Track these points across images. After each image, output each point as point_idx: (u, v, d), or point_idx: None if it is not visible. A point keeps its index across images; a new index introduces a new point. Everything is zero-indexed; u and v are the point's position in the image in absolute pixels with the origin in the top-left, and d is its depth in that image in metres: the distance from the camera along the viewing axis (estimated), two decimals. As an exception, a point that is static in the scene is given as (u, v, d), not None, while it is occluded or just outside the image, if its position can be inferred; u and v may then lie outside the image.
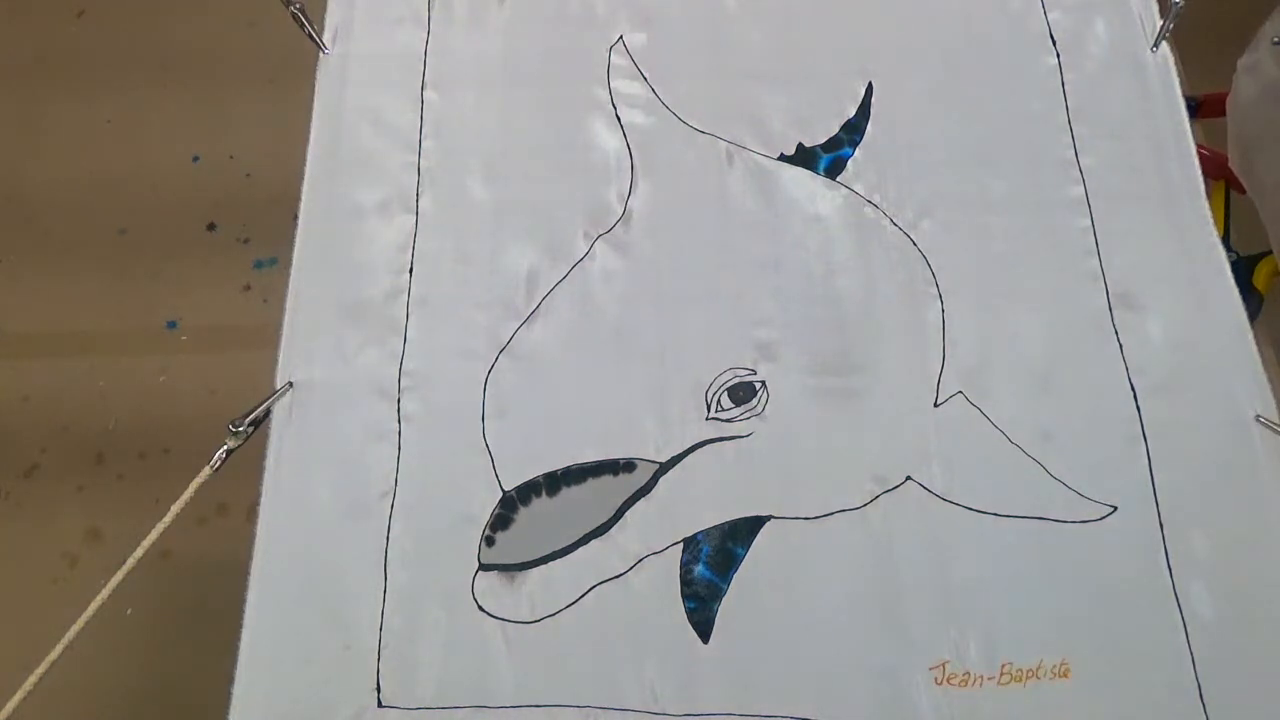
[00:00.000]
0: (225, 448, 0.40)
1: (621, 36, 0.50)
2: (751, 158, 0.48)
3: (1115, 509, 0.40)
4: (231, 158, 1.35)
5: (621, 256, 0.45)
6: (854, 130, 0.48)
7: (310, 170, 0.47)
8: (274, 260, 1.28)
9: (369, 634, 0.39)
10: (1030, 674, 0.38)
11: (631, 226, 0.46)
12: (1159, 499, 0.40)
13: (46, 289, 1.28)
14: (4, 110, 1.39)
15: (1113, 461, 0.41)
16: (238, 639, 0.38)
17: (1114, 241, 0.45)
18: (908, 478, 0.41)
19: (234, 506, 1.05)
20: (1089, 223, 0.46)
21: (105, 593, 0.39)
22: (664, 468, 0.41)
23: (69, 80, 1.42)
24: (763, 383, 0.42)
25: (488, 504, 0.41)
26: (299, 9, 0.48)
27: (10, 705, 0.37)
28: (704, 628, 0.39)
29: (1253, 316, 0.56)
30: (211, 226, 1.32)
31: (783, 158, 0.47)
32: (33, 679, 0.37)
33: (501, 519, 0.40)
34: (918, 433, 0.42)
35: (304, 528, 0.40)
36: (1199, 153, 0.47)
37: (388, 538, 0.40)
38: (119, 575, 0.39)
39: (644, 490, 0.41)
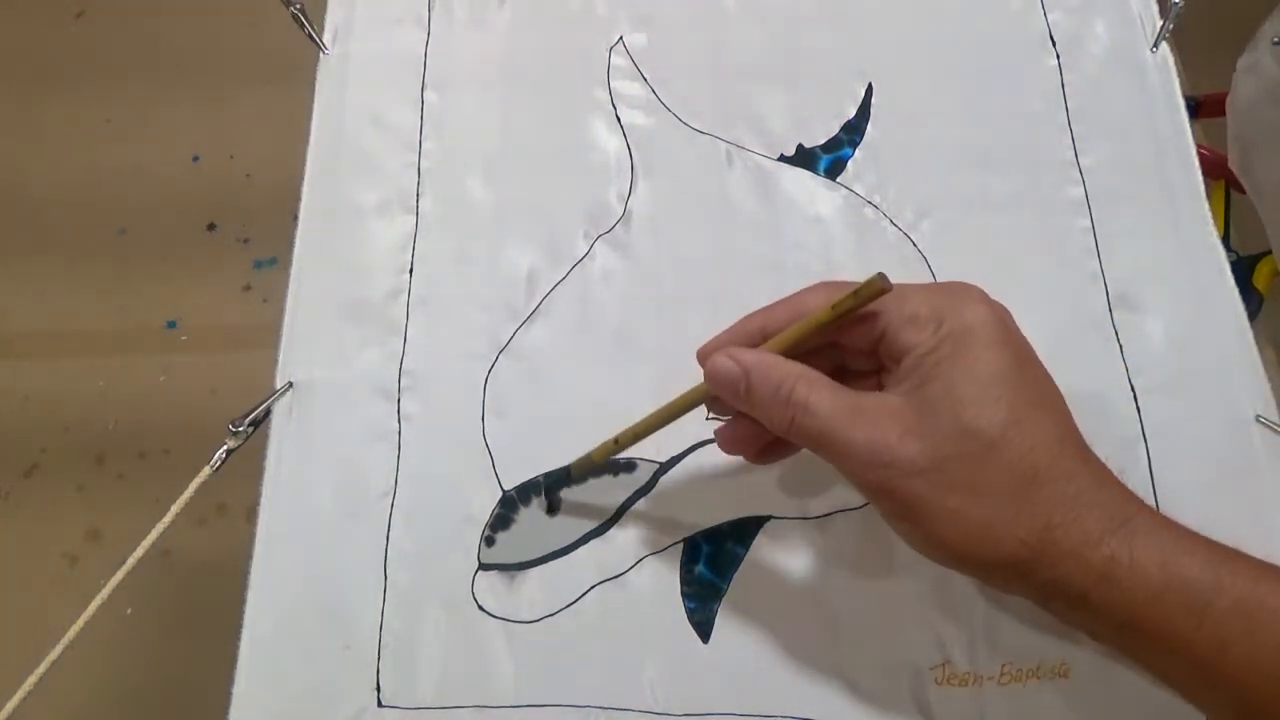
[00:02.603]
0: (225, 448, 0.40)
1: (621, 37, 0.50)
2: (751, 158, 0.48)
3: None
4: (231, 158, 1.36)
5: (621, 257, 0.45)
6: (854, 130, 0.48)
7: (310, 170, 0.47)
8: (274, 260, 1.28)
9: (369, 634, 0.39)
10: (1030, 674, 0.38)
11: (631, 227, 0.46)
12: (1159, 499, 0.41)
13: (46, 289, 1.28)
14: (4, 110, 1.39)
15: (1113, 461, 0.41)
16: (238, 639, 0.38)
17: (1114, 241, 0.45)
18: (908, 478, 0.41)
19: (234, 506, 1.05)
20: (1089, 223, 0.46)
21: (105, 593, 0.39)
22: (664, 467, 0.41)
23: (69, 80, 1.42)
24: (763, 383, 0.42)
25: (488, 504, 0.41)
26: (299, 9, 0.48)
27: (10, 705, 0.37)
28: (704, 628, 0.39)
29: (1253, 316, 0.56)
30: (211, 226, 1.32)
31: (783, 158, 0.48)
32: (32, 679, 0.37)
33: (501, 519, 0.40)
34: (918, 433, 0.42)
35: (304, 528, 0.40)
36: (1199, 153, 0.47)
37: (388, 538, 0.40)
38: (119, 575, 0.39)
39: (644, 490, 0.41)
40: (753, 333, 0.34)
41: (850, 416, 0.30)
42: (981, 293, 0.33)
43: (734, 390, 0.32)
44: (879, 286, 0.30)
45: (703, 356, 0.34)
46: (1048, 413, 0.31)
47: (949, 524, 0.29)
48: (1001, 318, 0.32)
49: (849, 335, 0.33)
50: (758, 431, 0.34)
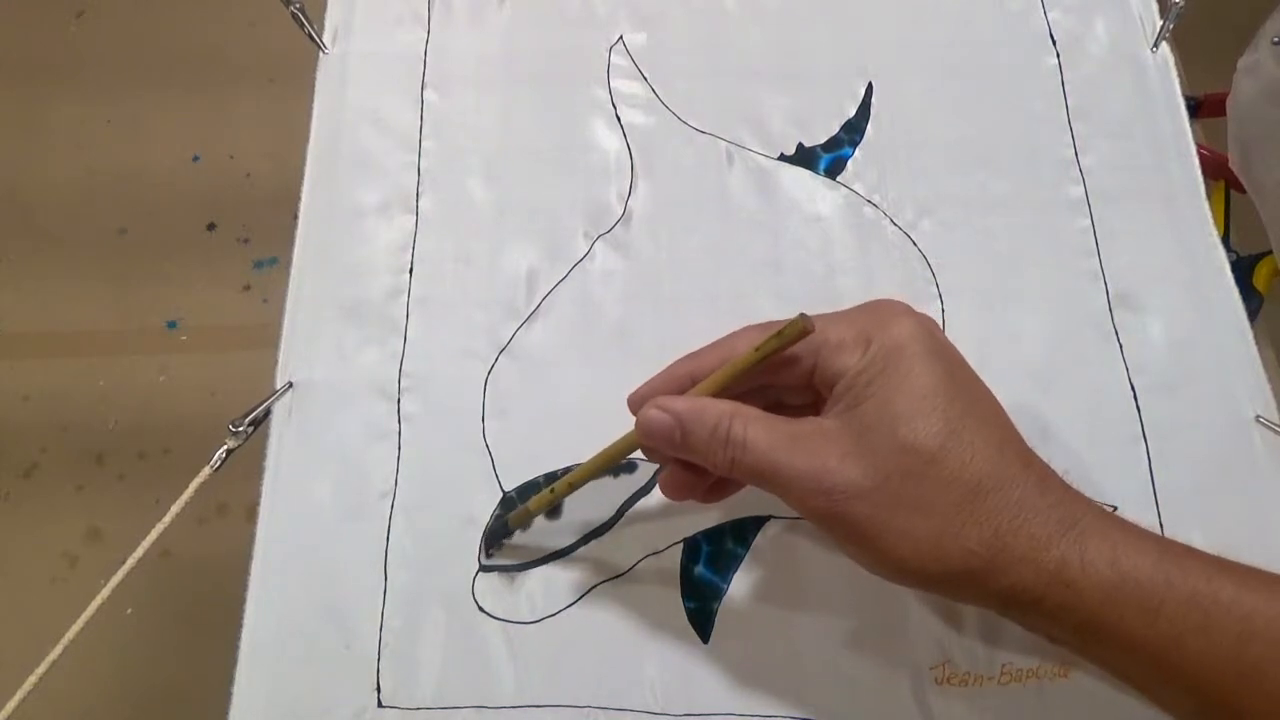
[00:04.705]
0: (225, 448, 0.40)
1: (621, 36, 0.50)
2: (751, 158, 0.48)
3: (1115, 509, 0.40)
4: (231, 158, 1.36)
5: (621, 257, 0.45)
6: (854, 130, 0.48)
7: (310, 170, 0.47)
8: (274, 260, 1.28)
9: (369, 634, 0.39)
10: (1030, 674, 0.38)
11: (631, 227, 0.46)
12: (1159, 499, 0.41)
13: (46, 289, 1.28)
14: (4, 110, 1.39)
15: (1113, 461, 0.41)
16: (238, 639, 0.38)
17: (1114, 241, 0.45)
18: (908, 478, 0.41)
19: (234, 506, 1.05)
20: (1089, 223, 0.46)
21: (105, 593, 0.39)
22: (664, 467, 0.41)
23: (69, 80, 1.42)
24: (763, 383, 0.42)
25: (488, 504, 0.41)
26: (299, 9, 0.48)
27: (10, 705, 0.37)
28: (704, 628, 0.39)
29: (1253, 316, 0.56)
30: (211, 226, 1.32)
31: (783, 158, 0.48)
32: (33, 679, 0.37)
33: (502, 519, 0.40)
34: (918, 433, 0.42)
35: (304, 528, 0.40)
36: (1199, 153, 0.47)
37: (388, 538, 0.40)
38: (119, 575, 0.39)
39: (644, 490, 0.41)
40: (681, 378, 0.34)
41: (789, 446, 0.30)
42: (905, 307, 0.32)
43: (669, 440, 0.32)
44: (802, 327, 0.30)
45: (633, 405, 0.34)
46: (984, 420, 0.30)
47: (898, 542, 0.29)
48: (929, 329, 0.31)
49: (780, 373, 0.33)
50: (697, 474, 0.34)
